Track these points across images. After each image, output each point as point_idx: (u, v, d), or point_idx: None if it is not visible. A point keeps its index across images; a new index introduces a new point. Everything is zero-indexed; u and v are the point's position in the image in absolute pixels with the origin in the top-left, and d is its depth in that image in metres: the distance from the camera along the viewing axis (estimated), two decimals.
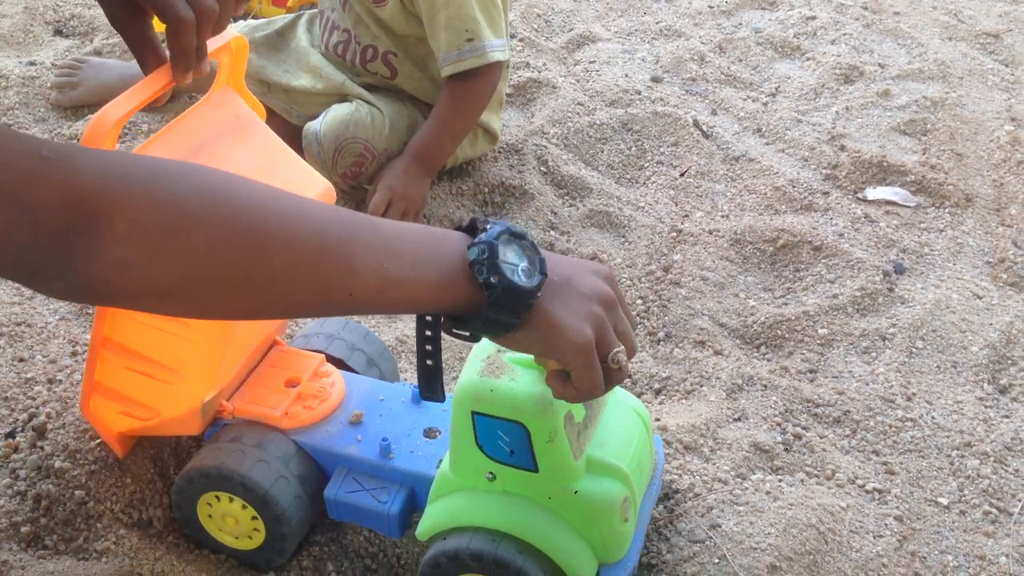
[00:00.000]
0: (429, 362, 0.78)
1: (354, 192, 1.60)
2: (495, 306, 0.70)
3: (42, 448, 1.08)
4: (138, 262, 0.61)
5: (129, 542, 1.01)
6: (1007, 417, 1.27)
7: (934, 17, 2.32)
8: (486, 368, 0.87)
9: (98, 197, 0.60)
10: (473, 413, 0.86)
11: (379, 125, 1.55)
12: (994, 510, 1.14)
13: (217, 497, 0.99)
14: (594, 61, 2.07)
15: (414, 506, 1.00)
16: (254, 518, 0.99)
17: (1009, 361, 1.37)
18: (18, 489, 1.05)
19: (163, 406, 0.99)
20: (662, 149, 1.82)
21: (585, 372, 0.74)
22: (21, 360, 1.20)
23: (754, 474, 1.16)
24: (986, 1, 2.41)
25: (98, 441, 1.07)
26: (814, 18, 2.26)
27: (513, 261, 0.71)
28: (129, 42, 0.85)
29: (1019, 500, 1.15)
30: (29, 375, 1.17)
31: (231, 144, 0.93)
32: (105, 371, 0.98)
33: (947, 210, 1.69)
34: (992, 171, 1.78)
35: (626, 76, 2.01)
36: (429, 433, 1.02)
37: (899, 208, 1.69)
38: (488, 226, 0.73)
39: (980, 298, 1.48)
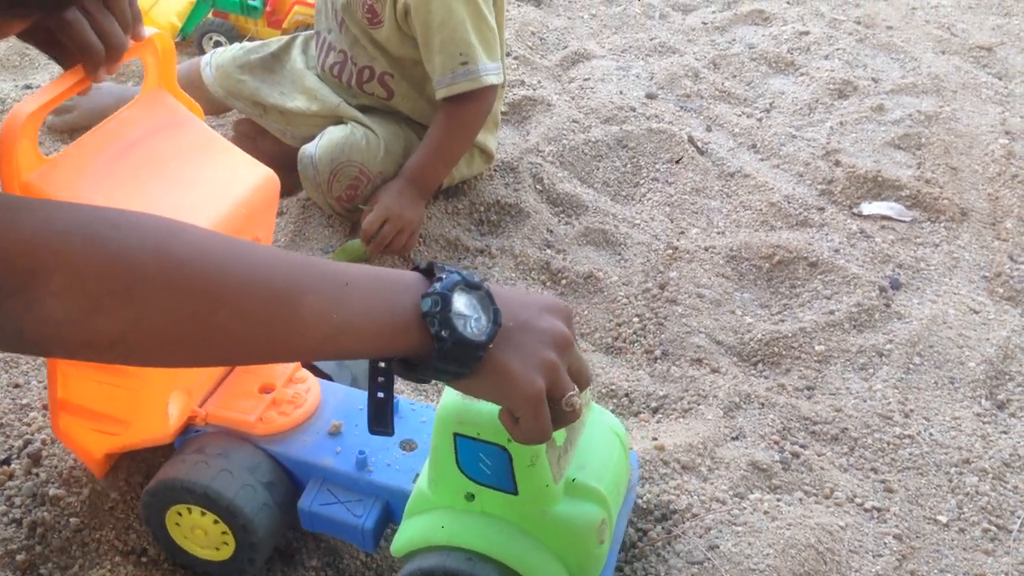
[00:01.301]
0: (380, 395, 0.77)
1: (350, 214, 1.60)
2: (445, 358, 0.70)
3: (37, 475, 1.08)
4: (76, 318, 0.60)
5: (124, 570, 1.01)
6: (1005, 433, 1.27)
7: (927, 31, 2.33)
8: None
9: (34, 254, 0.58)
10: (455, 435, 0.86)
11: (374, 148, 1.55)
12: (993, 527, 1.13)
13: (188, 509, 0.98)
14: (589, 78, 2.07)
15: (389, 519, 1.00)
16: (223, 531, 0.98)
17: (1007, 376, 1.37)
18: (13, 516, 1.05)
19: (129, 414, 0.98)
20: (657, 166, 1.82)
21: (533, 421, 0.75)
22: (16, 386, 1.20)
23: (752, 493, 1.16)
24: (979, 14, 2.42)
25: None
26: (807, 33, 2.27)
27: (466, 312, 0.71)
28: (41, 48, 0.83)
29: (1018, 517, 1.15)
30: (24, 401, 1.17)
31: (166, 138, 0.92)
32: (67, 385, 0.97)
33: (943, 224, 1.70)
34: (987, 185, 1.79)
35: (621, 93, 2.01)
36: (406, 446, 1.02)
37: (894, 223, 1.69)
38: (444, 275, 0.72)
39: (977, 313, 1.48)
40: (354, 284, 0.69)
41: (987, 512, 1.15)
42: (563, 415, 0.76)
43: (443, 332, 0.69)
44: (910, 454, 1.23)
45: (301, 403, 1.03)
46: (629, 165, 1.83)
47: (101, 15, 0.81)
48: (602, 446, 0.95)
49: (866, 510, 1.14)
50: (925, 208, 1.73)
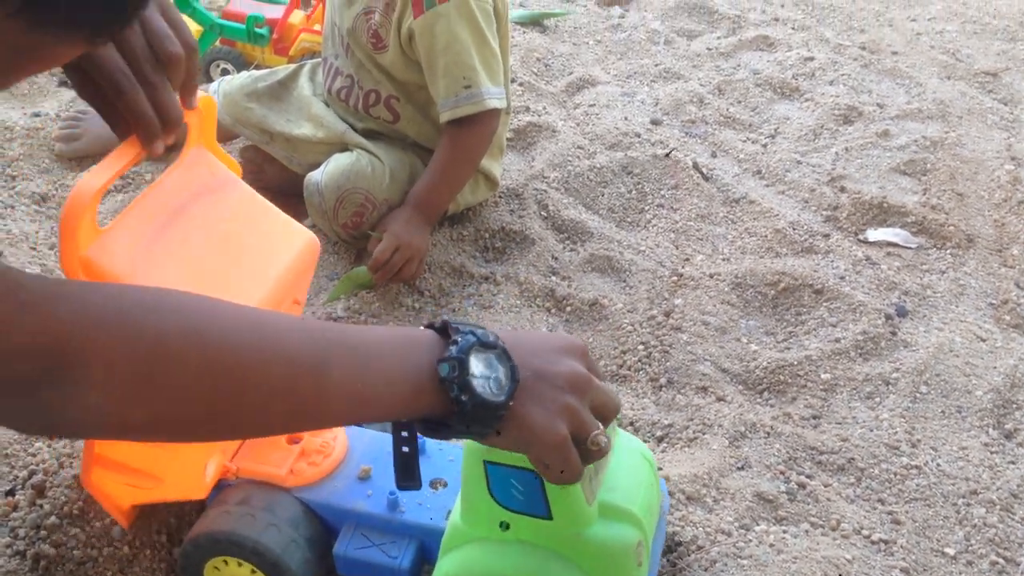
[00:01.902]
0: (405, 449, 0.78)
1: (356, 241, 1.60)
2: (466, 420, 0.71)
3: (41, 507, 1.08)
4: (113, 408, 0.61)
5: None
6: (1013, 463, 1.26)
7: (932, 56, 2.33)
8: None
9: (74, 345, 0.59)
10: (485, 462, 0.85)
11: (380, 175, 1.56)
12: (1001, 560, 1.12)
13: (225, 562, 0.98)
14: (594, 104, 2.08)
15: (424, 558, 0.99)
16: None
17: (1014, 405, 1.36)
18: (17, 549, 1.04)
19: (166, 472, 0.99)
20: (662, 192, 1.82)
21: (563, 466, 0.75)
22: None
23: (758, 525, 1.15)
24: (984, 40, 2.43)
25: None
26: (812, 59, 2.27)
27: (484, 373, 0.71)
28: (99, 111, 0.85)
29: None
30: None
31: (210, 204, 0.93)
32: (105, 441, 0.97)
33: (949, 251, 1.69)
34: (993, 211, 1.78)
35: (626, 119, 2.02)
36: (436, 484, 1.02)
37: (900, 250, 1.69)
38: (459, 337, 0.72)
39: (984, 341, 1.48)
40: (375, 352, 0.70)
41: (995, 544, 1.14)
42: (590, 454, 0.77)
43: (463, 396, 0.70)
44: (917, 485, 1.22)
45: (329, 452, 1.03)
46: (634, 191, 1.83)
47: (162, 87, 0.81)
48: (632, 469, 0.95)
49: (873, 542, 1.13)
50: (931, 235, 1.73)
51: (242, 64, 2.01)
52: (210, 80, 1.95)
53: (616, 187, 1.83)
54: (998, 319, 1.54)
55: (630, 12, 2.51)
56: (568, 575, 0.87)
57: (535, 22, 2.42)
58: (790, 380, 1.40)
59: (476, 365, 0.71)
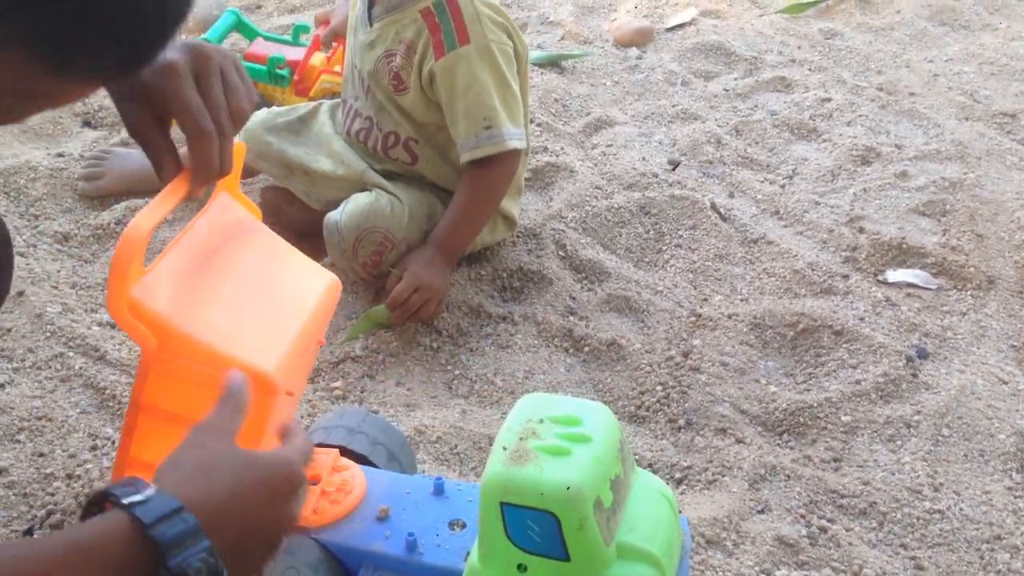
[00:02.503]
0: None
1: (375, 280, 1.61)
2: None
3: None
4: None
5: None
6: None
7: (950, 97, 2.33)
8: (511, 457, 0.86)
9: None
10: (502, 504, 0.85)
11: (399, 215, 1.57)
12: None
13: None
14: (611, 144, 2.09)
15: None
16: None
17: None
18: None
19: None
20: (680, 232, 1.82)
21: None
22: (41, 455, 1.20)
23: (779, 570, 1.14)
24: (1002, 80, 2.43)
25: None
26: (829, 100, 2.28)
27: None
28: (148, 149, 0.86)
29: None
30: (48, 470, 1.17)
31: (239, 248, 0.95)
32: (143, 444, 0.96)
33: (969, 292, 1.68)
34: (1014, 252, 1.78)
35: (643, 159, 2.03)
36: (455, 525, 1.01)
37: (920, 291, 1.68)
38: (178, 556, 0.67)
39: (1006, 383, 1.46)
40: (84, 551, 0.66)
41: None
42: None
43: None
44: (940, 530, 1.21)
45: (350, 490, 1.03)
46: (652, 231, 1.83)
47: (230, 137, 0.84)
48: (651, 508, 0.93)
49: None
50: (951, 276, 1.72)
51: (264, 105, 2.03)
52: None
53: (634, 227, 1.83)
54: (1020, 361, 1.53)
55: (647, 53, 2.53)
56: None
57: (553, 63, 2.44)
58: (810, 422, 1.39)
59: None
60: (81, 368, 1.39)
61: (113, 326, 1.50)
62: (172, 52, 0.83)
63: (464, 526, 1.01)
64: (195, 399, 0.84)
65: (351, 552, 0.99)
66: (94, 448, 1.22)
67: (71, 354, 1.42)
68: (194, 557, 0.66)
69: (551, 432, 0.88)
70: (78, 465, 1.18)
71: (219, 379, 0.82)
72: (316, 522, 1.01)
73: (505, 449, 0.87)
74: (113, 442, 1.23)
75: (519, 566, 0.87)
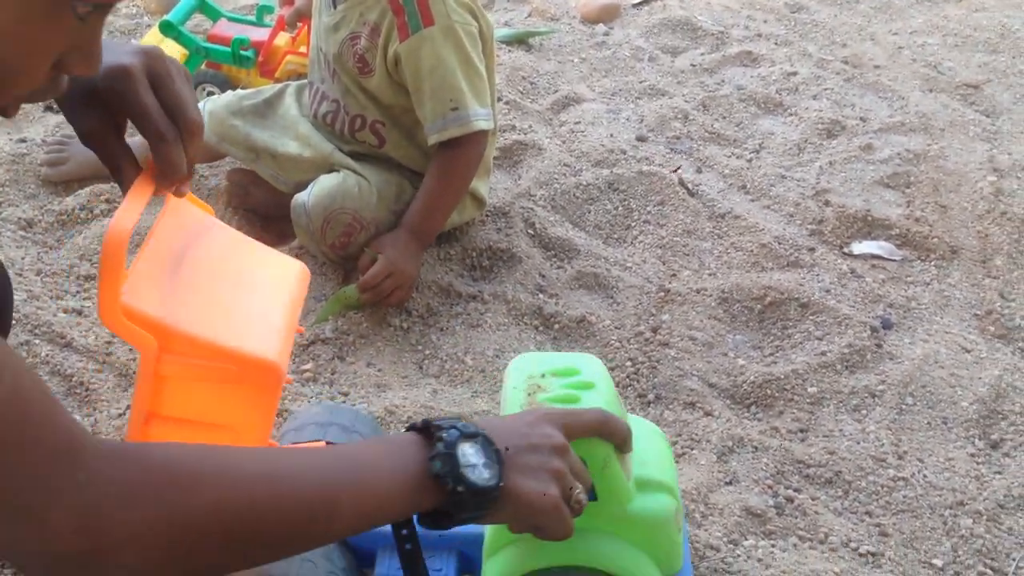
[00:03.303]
0: (408, 546, 0.82)
1: (344, 261, 1.60)
2: (464, 507, 0.76)
3: None
4: None
5: None
6: (999, 473, 1.27)
7: (914, 70, 2.35)
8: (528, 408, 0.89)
9: (115, 531, 0.63)
10: None
11: (367, 195, 1.57)
12: (989, 571, 1.13)
13: None
14: (579, 122, 2.09)
15: (465, 567, 1.00)
16: None
17: (1000, 415, 1.37)
18: None
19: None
20: (648, 208, 1.83)
21: (558, 526, 0.80)
22: None
23: (746, 540, 1.15)
24: (965, 52, 2.45)
25: None
26: (795, 74, 2.29)
27: (472, 462, 0.76)
28: (104, 154, 0.85)
29: (1013, 559, 1.14)
30: None
31: (205, 246, 0.95)
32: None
33: (933, 263, 1.70)
34: (976, 222, 1.80)
35: (611, 136, 2.03)
36: None
37: (885, 262, 1.70)
38: (444, 434, 0.76)
39: (968, 352, 1.49)
40: (374, 469, 0.75)
41: (982, 555, 1.15)
42: (573, 511, 0.81)
43: (459, 487, 0.74)
44: (904, 497, 1.23)
45: None
46: (620, 208, 1.84)
47: (190, 142, 0.84)
48: (652, 444, 0.97)
49: (861, 555, 1.14)
50: (915, 247, 1.74)
51: (228, 87, 2.02)
52: None
53: (602, 204, 1.84)
54: (983, 330, 1.55)
55: (614, 30, 2.53)
56: (620, 551, 0.89)
57: (520, 41, 2.44)
58: (777, 394, 1.41)
59: (464, 456, 0.76)
60: (48, 355, 1.38)
61: (80, 312, 1.49)
62: (125, 56, 0.82)
63: None
64: (200, 397, 0.85)
65: (366, 536, 0.98)
66: None
67: (37, 341, 1.41)
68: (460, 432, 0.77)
69: (556, 384, 0.91)
70: None
71: (226, 372, 0.84)
72: None
73: (520, 405, 0.89)
74: None
75: None
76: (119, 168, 0.85)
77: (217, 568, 0.70)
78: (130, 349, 1.38)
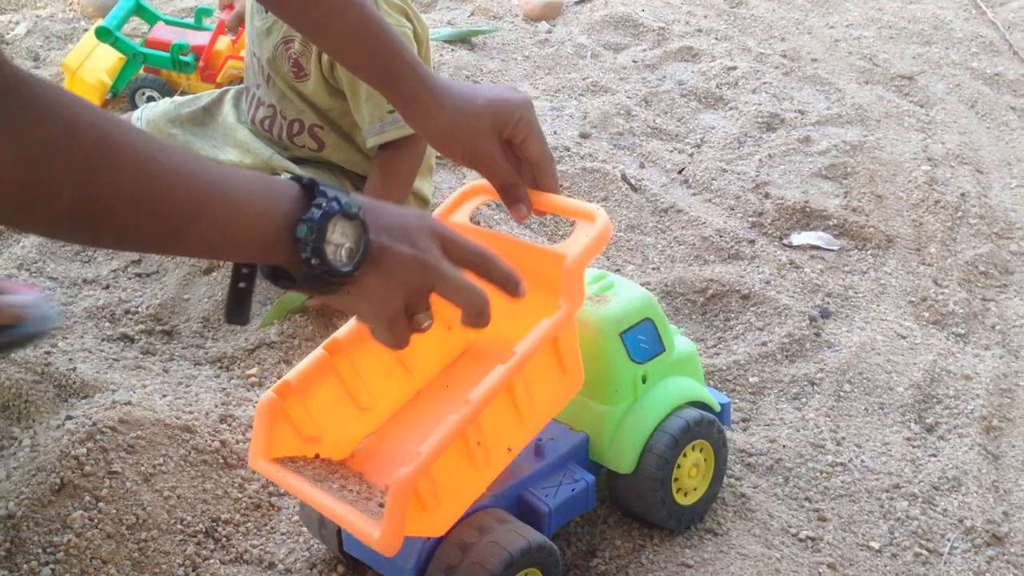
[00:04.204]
0: (241, 285, 0.80)
1: None
2: (310, 279, 0.74)
3: None
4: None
5: None
6: (934, 456, 1.30)
7: (850, 62, 2.39)
8: (596, 309, 1.09)
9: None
10: (621, 335, 1.08)
11: None
12: (924, 551, 1.16)
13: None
14: None
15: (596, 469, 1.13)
16: None
17: (934, 399, 1.41)
18: None
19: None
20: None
21: (386, 335, 0.81)
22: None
23: (690, 529, 1.17)
24: (899, 44, 2.50)
25: None
26: (735, 68, 2.32)
27: (338, 241, 0.74)
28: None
29: (948, 540, 1.17)
30: None
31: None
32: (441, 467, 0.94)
33: (869, 252, 1.74)
34: (911, 211, 1.84)
35: (555, 133, 2.05)
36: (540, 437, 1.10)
37: (823, 252, 1.73)
38: (324, 201, 0.74)
39: (904, 338, 1.52)
40: (244, 201, 0.72)
41: (918, 536, 1.18)
42: (412, 328, 0.82)
43: (313, 260, 0.72)
44: (842, 482, 1.26)
45: None
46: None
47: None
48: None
49: (800, 540, 1.16)
50: (852, 237, 1.77)
51: (168, 91, 2.00)
52: (136, 107, 1.94)
53: None
54: (917, 316, 1.59)
55: (557, 27, 2.55)
56: (693, 384, 1.16)
57: (463, 39, 2.44)
58: (720, 385, 1.43)
59: (332, 232, 0.73)
60: None
61: None
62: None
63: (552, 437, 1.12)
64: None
65: (511, 494, 1.06)
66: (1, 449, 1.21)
67: None
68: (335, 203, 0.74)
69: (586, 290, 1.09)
70: None
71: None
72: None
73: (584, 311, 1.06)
74: (19, 441, 1.21)
75: (642, 378, 1.11)
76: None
77: (65, 230, 0.68)
78: (70, 358, 1.37)
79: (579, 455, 1.11)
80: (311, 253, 0.72)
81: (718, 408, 1.19)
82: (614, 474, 1.12)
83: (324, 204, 0.73)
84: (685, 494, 1.14)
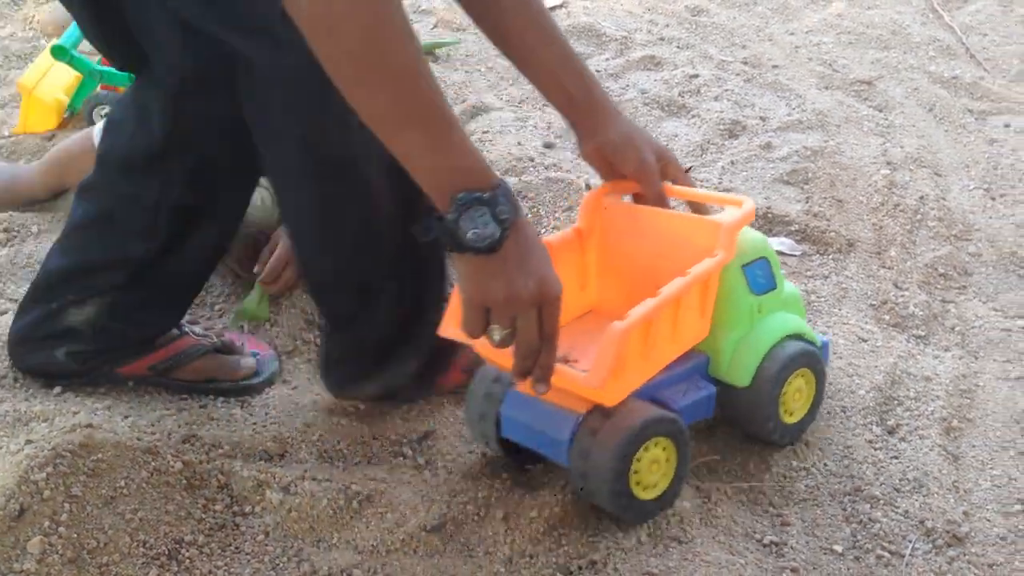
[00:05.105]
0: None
1: (251, 276, 1.59)
2: (443, 231, 0.93)
3: None
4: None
5: None
6: (895, 458, 1.32)
7: (810, 68, 2.42)
8: None
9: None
10: (743, 267, 1.23)
11: (269, 208, 1.56)
12: (887, 553, 1.17)
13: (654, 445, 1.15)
14: (487, 131, 2.11)
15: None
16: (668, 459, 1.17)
17: (895, 401, 1.42)
18: None
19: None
20: (557, 214, 1.85)
21: (464, 315, 0.98)
22: None
23: (656, 535, 1.17)
24: (858, 50, 2.53)
25: None
26: (697, 76, 2.34)
27: (476, 230, 0.92)
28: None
29: (909, 542, 1.19)
30: None
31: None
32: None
33: (831, 256, 1.76)
34: (871, 215, 1.86)
35: (519, 144, 2.05)
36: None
37: (786, 257, 1.75)
38: (503, 202, 0.93)
39: (865, 341, 1.54)
40: (453, 151, 0.93)
41: (880, 539, 1.19)
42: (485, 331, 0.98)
43: (450, 219, 0.93)
44: (806, 486, 1.27)
45: None
46: (529, 215, 1.86)
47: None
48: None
49: (764, 545, 1.17)
50: (814, 241, 1.79)
51: None
52: (92, 123, 1.92)
53: None
54: (878, 319, 1.61)
55: None
56: (798, 320, 1.30)
57: (427, 52, 2.45)
58: None
59: (468, 221, 0.91)
60: None
61: None
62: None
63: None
64: None
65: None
66: None
67: None
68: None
69: None
70: None
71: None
72: None
73: None
74: None
75: (758, 308, 1.25)
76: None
77: (344, 73, 0.90)
78: (25, 388, 1.36)
79: (701, 371, 1.26)
80: (449, 239, 0.92)
81: (819, 344, 1.32)
82: (728, 392, 1.26)
83: (502, 203, 0.92)
84: (790, 414, 1.29)
